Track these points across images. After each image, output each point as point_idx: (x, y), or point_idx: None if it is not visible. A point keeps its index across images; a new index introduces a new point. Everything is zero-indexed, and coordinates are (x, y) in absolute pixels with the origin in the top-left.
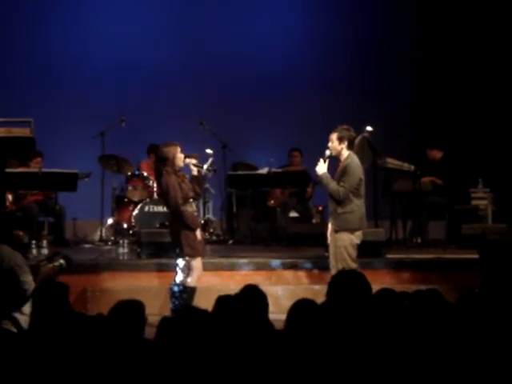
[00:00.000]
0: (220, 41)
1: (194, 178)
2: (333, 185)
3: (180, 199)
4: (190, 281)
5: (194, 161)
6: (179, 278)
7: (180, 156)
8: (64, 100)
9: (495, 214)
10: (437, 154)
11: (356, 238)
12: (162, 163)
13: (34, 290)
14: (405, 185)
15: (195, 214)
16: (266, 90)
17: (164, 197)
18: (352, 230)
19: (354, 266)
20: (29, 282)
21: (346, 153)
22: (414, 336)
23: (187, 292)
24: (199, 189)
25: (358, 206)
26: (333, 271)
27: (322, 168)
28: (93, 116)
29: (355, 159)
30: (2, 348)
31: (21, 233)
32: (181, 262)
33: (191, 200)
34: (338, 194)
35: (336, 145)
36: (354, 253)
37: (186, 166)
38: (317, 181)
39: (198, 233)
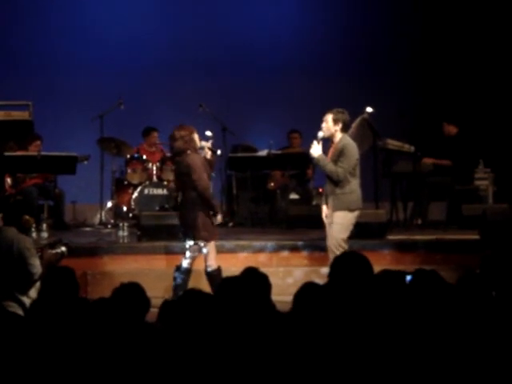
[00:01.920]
0: (219, 25)
1: (207, 161)
2: (330, 166)
3: (207, 180)
4: (210, 263)
5: (209, 144)
6: (187, 262)
7: (197, 137)
8: (63, 83)
9: (496, 194)
10: (452, 130)
11: (354, 217)
12: (182, 141)
13: (44, 275)
14: (405, 166)
15: None
16: (265, 72)
17: (183, 177)
18: (352, 210)
19: (344, 245)
20: (37, 265)
21: (339, 135)
22: (416, 317)
23: (214, 274)
24: (211, 171)
25: (355, 185)
26: (330, 253)
27: (316, 150)
28: (92, 99)
29: (350, 140)
30: (10, 331)
31: (27, 217)
32: (192, 245)
33: None
34: (336, 174)
35: (330, 126)
36: (348, 232)
37: (201, 148)
38: (313, 163)
39: (219, 216)
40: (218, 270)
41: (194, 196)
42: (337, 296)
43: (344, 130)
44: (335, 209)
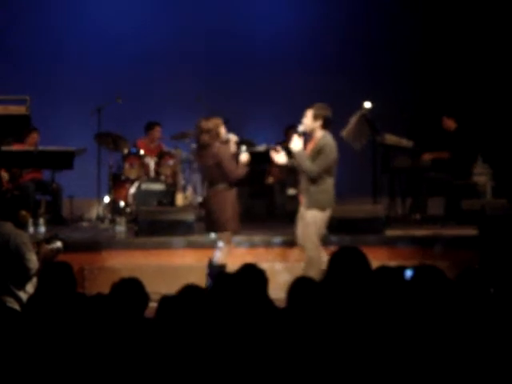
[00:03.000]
0: (219, 20)
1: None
2: (308, 163)
3: (235, 169)
4: (220, 257)
5: (235, 138)
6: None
7: (223, 130)
8: (61, 77)
9: (494, 189)
10: (452, 124)
11: (326, 216)
12: (208, 135)
13: (40, 270)
14: (404, 161)
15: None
16: (264, 67)
17: (210, 170)
18: (324, 209)
19: (318, 242)
20: (34, 260)
21: (320, 132)
22: (414, 313)
23: (215, 267)
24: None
25: (330, 185)
26: (301, 247)
27: (297, 144)
28: (90, 94)
29: (331, 139)
30: (7, 326)
31: (24, 212)
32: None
33: None
34: (311, 171)
35: (309, 121)
36: (322, 230)
37: (226, 141)
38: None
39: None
40: (222, 266)
41: (222, 189)
42: (333, 291)
43: (325, 126)
44: (308, 206)
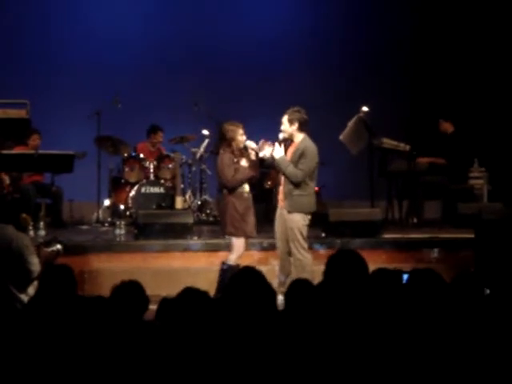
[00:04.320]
0: (218, 22)
1: (250, 162)
2: (291, 168)
3: (230, 178)
4: (230, 259)
5: (253, 145)
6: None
7: (241, 138)
8: (61, 81)
9: (490, 193)
10: (449, 128)
11: (308, 220)
12: (220, 141)
13: (41, 273)
14: (401, 165)
15: (246, 195)
16: (259, 71)
17: (217, 176)
18: (306, 213)
19: (305, 245)
20: (36, 263)
21: (299, 135)
22: (411, 316)
23: (226, 270)
24: (255, 173)
25: (312, 188)
26: (280, 252)
27: (278, 152)
28: (89, 97)
29: (311, 142)
30: (8, 328)
31: (25, 215)
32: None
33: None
34: (296, 176)
35: (287, 127)
36: (305, 233)
37: (245, 149)
38: (272, 165)
39: (252, 216)
40: (234, 267)
41: (225, 193)
42: (331, 294)
43: (301, 129)
44: (291, 210)
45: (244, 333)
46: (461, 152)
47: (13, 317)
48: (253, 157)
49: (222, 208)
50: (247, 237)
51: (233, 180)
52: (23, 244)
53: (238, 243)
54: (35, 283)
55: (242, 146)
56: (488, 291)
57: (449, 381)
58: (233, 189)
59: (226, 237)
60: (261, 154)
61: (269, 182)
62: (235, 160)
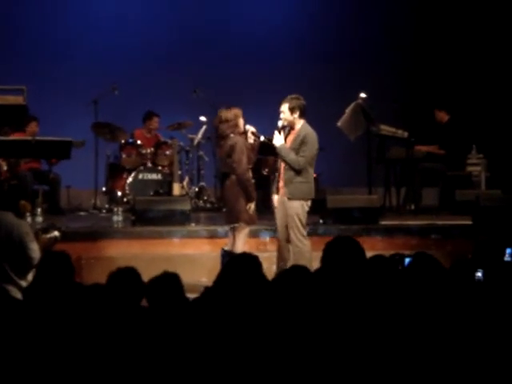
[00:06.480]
0: (218, 11)
1: (250, 146)
2: (292, 155)
3: (246, 164)
4: (237, 248)
5: (253, 129)
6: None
7: (242, 121)
8: (58, 68)
9: (488, 180)
10: (444, 116)
11: (308, 206)
12: (227, 125)
13: (40, 260)
14: (399, 152)
15: (252, 181)
16: (258, 59)
17: (226, 160)
18: (306, 199)
19: (305, 232)
20: (36, 249)
21: (299, 122)
22: (408, 302)
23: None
24: (254, 157)
25: (312, 175)
26: (281, 238)
27: (279, 140)
28: (87, 85)
29: (310, 129)
30: (10, 315)
31: (24, 202)
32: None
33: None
34: (297, 163)
35: (288, 115)
36: (305, 220)
37: (244, 132)
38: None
39: (253, 205)
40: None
41: (234, 179)
42: (328, 280)
43: (302, 115)
44: (291, 197)
45: (237, 318)
46: (457, 140)
47: (10, 303)
48: (251, 141)
49: (231, 195)
50: (255, 224)
51: (246, 172)
52: (23, 231)
53: (246, 231)
54: (34, 270)
55: (242, 130)
56: (480, 274)
57: (446, 368)
58: (244, 177)
59: (236, 225)
60: (261, 139)
61: (266, 169)
62: (246, 144)
